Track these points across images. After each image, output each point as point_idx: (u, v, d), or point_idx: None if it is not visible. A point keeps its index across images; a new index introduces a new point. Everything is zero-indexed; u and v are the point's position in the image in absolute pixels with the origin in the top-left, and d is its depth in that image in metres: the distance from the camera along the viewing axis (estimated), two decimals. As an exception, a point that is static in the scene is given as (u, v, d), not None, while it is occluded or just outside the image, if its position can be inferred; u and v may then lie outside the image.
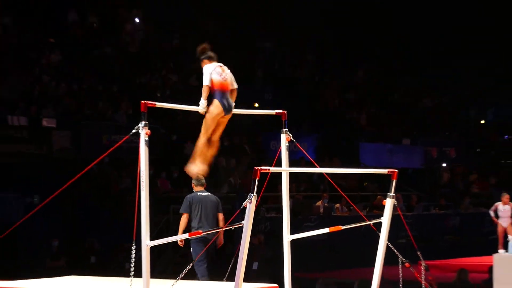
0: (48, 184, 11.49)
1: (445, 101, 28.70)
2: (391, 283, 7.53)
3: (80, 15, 20.93)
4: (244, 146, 19.32)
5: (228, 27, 24.01)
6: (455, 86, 29.33)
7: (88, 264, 14.36)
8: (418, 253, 6.98)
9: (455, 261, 14.46)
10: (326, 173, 8.93)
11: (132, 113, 17.47)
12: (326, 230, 7.33)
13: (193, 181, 9.23)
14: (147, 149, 6.33)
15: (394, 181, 6.68)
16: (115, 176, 16.37)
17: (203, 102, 6.83)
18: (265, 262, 13.49)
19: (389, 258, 6.78)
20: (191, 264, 7.06)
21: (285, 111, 7.37)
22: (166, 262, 14.13)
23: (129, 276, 6.47)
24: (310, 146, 20.06)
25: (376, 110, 25.25)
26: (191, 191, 9.32)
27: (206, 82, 6.81)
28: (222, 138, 21.35)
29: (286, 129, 7.38)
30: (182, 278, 6.47)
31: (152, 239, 6.39)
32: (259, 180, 5.79)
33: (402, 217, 7.44)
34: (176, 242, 8.75)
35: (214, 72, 6.87)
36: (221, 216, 9.09)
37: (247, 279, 6.44)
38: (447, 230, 19.01)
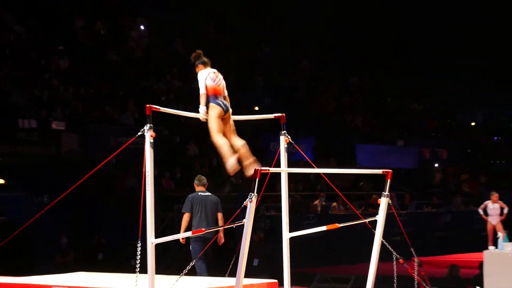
0: (57, 184, 11.49)
1: (438, 104, 28.69)
2: (386, 278, 7.51)
3: (88, 23, 20.95)
4: (245, 147, 19.28)
5: (229, 34, 24.02)
6: (449, 89, 29.28)
7: (96, 260, 14.35)
8: (412, 249, 6.96)
9: (446, 257, 14.43)
10: (323, 173, 8.92)
11: (138, 116, 17.47)
12: (323, 228, 7.32)
13: (195, 181, 9.23)
14: (152, 150, 6.33)
15: (389, 181, 6.67)
16: (121, 176, 16.36)
17: (202, 108, 6.80)
18: (265, 259, 13.48)
19: (384, 255, 6.76)
20: (193, 261, 7.06)
21: (284, 114, 7.36)
22: (171, 259, 14.11)
23: (134, 272, 6.47)
24: (308, 147, 20.03)
25: (371, 113, 25.24)
26: (194, 190, 9.32)
27: (202, 90, 6.79)
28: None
29: (285, 132, 7.37)
30: (186, 275, 6.46)
31: (156, 236, 6.38)
32: (259, 180, 5.78)
33: (396, 215, 7.43)
34: (179, 240, 8.74)
35: (208, 78, 6.84)
36: (220, 215, 9.08)
37: (248, 275, 6.43)
38: (439, 227, 19.00)
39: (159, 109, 6.58)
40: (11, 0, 20.58)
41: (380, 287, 7.00)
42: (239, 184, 17.10)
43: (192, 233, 7.34)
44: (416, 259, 6.93)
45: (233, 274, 6.49)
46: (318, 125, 22.52)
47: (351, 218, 8.21)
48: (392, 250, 6.80)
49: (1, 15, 19.43)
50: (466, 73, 27.55)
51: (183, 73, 21.07)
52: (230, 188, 16.89)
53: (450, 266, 11.65)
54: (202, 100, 6.79)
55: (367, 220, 6.93)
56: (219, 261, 8.80)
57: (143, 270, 6.37)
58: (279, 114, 7.33)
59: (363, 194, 18.95)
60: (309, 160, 8.37)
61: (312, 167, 8.00)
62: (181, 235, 7.91)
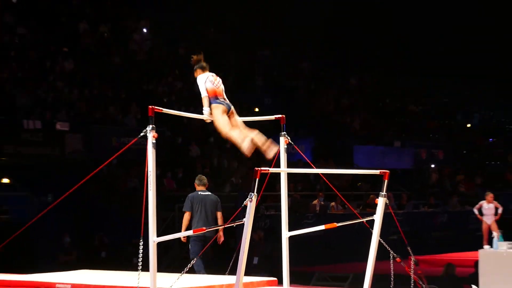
0: (61, 184, 11.46)
1: (436, 105, 28.68)
2: (383, 277, 7.50)
3: (92, 26, 20.96)
4: (245, 148, 19.27)
5: (229, 35, 24.01)
6: (447, 90, 29.23)
7: (99, 258, 14.34)
8: (408, 248, 6.96)
9: (443, 256, 14.41)
10: (322, 173, 8.92)
11: (140, 117, 17.47)
12: (322, 227, 7.32)
13: (196, 181, 9.22)
14: (154, 151, 6.34)
15: (386, 181, 6.67)
16: (124, 176, 16.36)
17: (207, 110, 6.83)
18: (264, 257, 13.47)
19: (381, 254, 6.76)
20: (194, 260, 7.06)
21: (284, 116, 7.36)
22: (172, 257, 14.11)
23: (137, 270, 6.47)
24: (307, 148, 20.03)
25: (369, 114, 25.24)
26: (195, 190, 9.31)
27: (203, 93, 6.85)
28: (225, 141, 21.20)
29: (285, 133, 7.38)
30: (186, 273, 6.46)
31: (158, 235, 6.38)
32: (259, 180, 5.78)
33: (393, 214, 7.42)
34: (180, 238, 8.74)
35: (207, 81, 6.89)
36: (219, 215, 9.06)
37: (248, 273, 6.44)
38: (435, 227, 18.99)
39: (162, 110, 6.59)
40: (16, 3, 20.60)
41: (377, 285, 6.99)
42: (239, 184, 17.11)
43: (193, 232, 7.34)
44: (412, 258, 6.94)
45: (233, 272, 6.49)
46: (318, 126, 22.51)
47: (349, 217, 8.22)
48: (389, 249, 6.79)
49: (7, 18, 19.44)
50: (466, 74, 27.42)
51: (184, 75, 21.08)
52: (231, 188, 16.89)
53: (446, 265, 11.64)
54: (205, 102, 6.83)
55: (365, 220, 6.93)
56: (220, 260, 8.79)
57: (145, 268, 6.37)
58: (279, 116, 7.34)
59: (361, 194, 18.95)
60: (308, 160, 8.36)
61: (311, 167, 8.00)
62: (182, 234, 7.91)
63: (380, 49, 26.81)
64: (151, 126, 6.35)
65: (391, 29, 26.65)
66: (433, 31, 27.20)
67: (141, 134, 6.41)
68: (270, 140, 6.69)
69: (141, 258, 6.31)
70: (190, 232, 7.74)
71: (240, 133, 6.75)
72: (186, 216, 8.95)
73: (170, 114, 6.95)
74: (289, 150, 7.52)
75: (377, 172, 6.81)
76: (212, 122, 7.04)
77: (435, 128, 26.64)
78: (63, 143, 15.95)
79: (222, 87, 6.96)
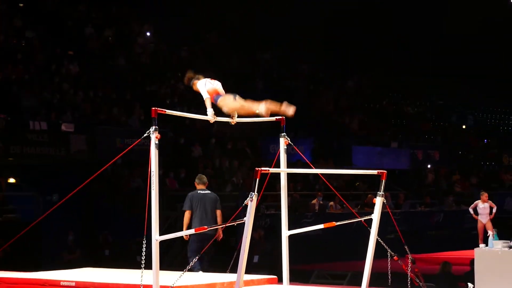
0: (66, 184, 11.45)
1: (432, 106, 28.65)
2: (381, 275, 7.48)
3: (97, 30, 20.97)
4: (246, 149, 19.29)
5: (230, 38, 23.98)
6: (444, 91, 29.17)
7: (102, 257, 14.32)
8: (405, 247, 6.95)
9: (439, 255, 14.38)
10: (321, 173, 8.90)
11: (144, 119, 17.46)
12: (321, 226, 7.31)
13: (196, 180, 9.19)
14: (157, 151, 6.32)
15: (383, 181, 6.66)
16: (128, 176, 16.35)
17: (210, 111, 6.84)
18: (265, 256, 13.44)
19: (379, 252, 6.74)
20: (196, 258, 7.04)
21: (284, 117, 7.35)
22: (174, 256, 14.09)
23: (140, 268, 6.45)
24: (307, 149, 20.00)
25: (367, 115, 25.22)
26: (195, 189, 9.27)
27: (205, 95, 6.88)
28: (226, 141, 21.10)
29: (285, 134, 7.36)
30: (189, 271, 6.43)
31: (161, 234, 6.36)
32: (259, 180, 5.77)
33: (390, 214, 7.41)
34: (182, 237, 8.71)
35: (206, 84, 6.96)
36: (219, 212, 9.02)
37: (248, 271, 6.42)
38: (432, 226, 18.95)
39: (165, 111, 6.58)
40: (24, 7, 20.62)
41: (375, 283, 6.97)
42: (240, 184, 17.09)
43: (195, 231, 7.31)
44: (409, 256, 6.91)
45: (234, 270, 6.47)
46: (317, 127, 22.49)
47: (348, 216, 8.20)
48: (387, 247, 6.78)
49: (15, 22, 19.46)
50: (463, 74, 27.35)
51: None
52: (232, 188, 16.87)
53: (442, 263, 11.61)
54: (208, 103, 6.82)
55: (363, 219, 6.92)
56: (221, 258, 8.78)
57: (148, 266, 6.35)
58: (280, 117, 7.33)
59: (359, 193, 18.92)
60: (307, 161, 8.34)
61: (311, 167, 7.98)
62: (184, 233, 7.89)
63: (380, 49, 26.67)
64: (154, 127, 6.34)
65: (391, 29, 26.49)
66: (433, 31, 27.06)
67: (145, 135, 6.40)
68: (285, 102, 6.72)
69: (144, 256, 6.29)
70: (192, 231, 7.71)
71: (253, 102, 6.81)
72: (187, 215, 8.92)
73: (173, 115, 6.93)
74: (289, 150, 7.50)
75: (374, 172, 6.79)
76: (214, 123, 7.03)
77: (431, 130, 26.63)
78: (68, 144, 15.94)
79: (220, 86, 6.97)
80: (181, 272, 6.42)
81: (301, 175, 18.09)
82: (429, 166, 23.13)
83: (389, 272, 7.07)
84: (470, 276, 9.77)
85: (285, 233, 7.15)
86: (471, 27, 26.68)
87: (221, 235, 8.82)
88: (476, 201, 12.80)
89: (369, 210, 13.40)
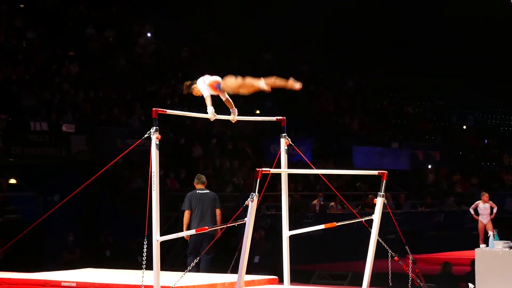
0: (67, 184, 11.46)
1: (433, 107, 28.63)
2: (382, 275, 7.48)
3: (98, 30, 20.97)
4: (247, 149, 19.29)
5: (230, 39, 23.97)
6: (444, 91, 29.14)
7: (103, 257, 14.32)
8: (406, 247, 6.94)
9: (440, 255, 14.37)
10: (321, 174, 8.89)
11: (144, 119, 17.46)
12: (321, 227, 7.31)
13: (195, 180, 9.19)
14: (157, 151, 6.32)
15: (384, 181, 6.66)
16: (128, 176, 16.35)
17: (210, 109, 6.83)
18: (265, 256, 13.44)
19: (380, 252, 6.74)
20: (198, 258, 7.04)
21: (284, 118, 7.35)
22: (176, 256, 14.09)
23: (141, 268, 6.45)
24: (307, 149, 20.00)
25: (368, 115, 25.22)
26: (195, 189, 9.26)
27: (205, 93, 6.84)
28: (227, 142, 21.10)
29: (285, 134, 7.36)
30: (190, 271, 6.43)
31: (162, 234, 6.36)
32: (260, 181, 5.77)
33: (391, 214, 7.41)
34: (183, 237, 8.71)
35: (205, 79, 6.92)
36: (218, 212, 9.02)
37: (249, 271, 6.42)
38: (432, 226, 18.95)
39: (166, 111, 6.57)
40: (24, 8, 20.63)
41: (376, 284, 6.97)
42: (241, 185, 17.09)
43: (196, 231, 7.31)
44: (410, 257, 6.91)
45: (235, 270, 6.47)
46: (317, 127, 22.49)
47: (348, 217, 8.19)
48: (387, 248, 6.77)
49: (16, 22, 19.47)
50: (463, 74, 27.33)
51: (187, 77, 21.04)
52: (232, 188, 16.86)
53: (443, 264, 11.60)
54: (208, 101, 6.82)
55: (363, 219, 6.91)
56: (222, 258, 8.78)
57: (149, 266, 6.35)
58: (280, 118, 7.33)
59: (359, 194, 18.91)
60: (308, 161, 8.34)
61: (311, 168, 7.98)
62: (185, 233, 7.89)
63: (380, 49, 26.65)
64: (154, 127, 6.34)
65: (391, 29, 26.44)
66: (433, 31, 27.02)
67: (145, 135, 6.40)
68: (291, 78, 6.70)
69: (145, 257, 6.29)
70: (192, 231, 7.71)
71: (255, 79, 6.80)
72: (186, 215, 8.92)
73: (173, 115, 6.92)
74: (290, 151, 7.50)
75: (375, 172, 6.79)
76: (214, 123, 7.04)
77: (431, 130, 26.62)
78: (69, 144, 15.94)
79: (219, 77, 6.98)
80: (182, 273, 6.42)
81: (302, 176, 18.09)
82: (429, 166, 23.13)
83: (389, 273, 7.07)
84: (470, 277, 9.76)
85: (286, 233, 7.15)
86: (471, 27, 26.67)
87: (219, 234, 8.83)
88: (477, 202, 12.79)
89: (370, 210, 13.42)
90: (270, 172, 5.95)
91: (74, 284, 7.13)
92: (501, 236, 9.94)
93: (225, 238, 8.99)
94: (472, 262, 10.29)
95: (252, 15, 24.12)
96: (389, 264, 6.93)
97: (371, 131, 23.90)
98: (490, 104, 30.40)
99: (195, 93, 7.00)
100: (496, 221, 12.73)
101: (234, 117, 7.00)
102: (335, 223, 6.99)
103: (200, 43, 23.57)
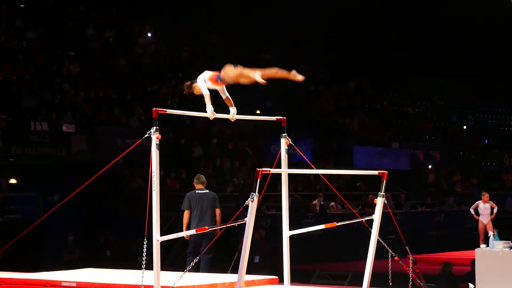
0: (67, 184, 11.46)
1: (433, 107, 28.62)
2: (382, 275, 7.48)
3: (98, 31, 20.97)
4: (247, 149, 19.29)
5: (230, 38, 23.97)
6: (444, 91, 29.12)
7: (103, 257, 14.32)
8: (406, 247, 6.94)
9: (440, 255, 14.36)
10: (321, 174, 8.89)
11: (144, 119, 17.46)
12: (322, 227, 7.31)
13: (195, 180, 9.19)
14: (158, 151, 6.32)
15: (384, 181, 6.65)
16: (129, 176, 16.34)
17: (210, 107, 6.82)
18: (266, 256, 13.44)
19: (380, 252, 6.74)
20: (197, 257, 7.04)
21: (285, 118, 7.34)
22: (175, 256, 14.09)
23: (141, 268, 6.44)
24: (307, 149, 19.99)
25: (368, 115, 25.22)
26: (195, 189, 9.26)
27: (205, 91, 6.82)
28: (227, 142, 21.10)
29: (285, 134, 7.36)
30: (190, 271, 6.43)
31: (162, 234, 6.36)
32: (260, 181, 5.76)
33: (391, 214, 7.41)
34: (183, 237, 8.71)
35: (204, 75, 6.90)
36: (218, 211, 9.01)
37: (249, 271, 6.42)
38: (432, 226, 18.95)
39: (166, 111, 6.57)
40: (24, 8, 20.62)
41: (376, 284, 6.96)
42: (241, 185, 17.08)
43: (196, 231, 7.31)
44: (410, 257, 6.91)
45: (235, 270, 6.47)
46: (317, 127, 22.48)
47: (349, 217, 8.19)
48: (387, 248, 6.77)
49: (17, 23, 19.47)
50: (463, 74, 27.31)
51: (187, 77, 21.02)
52: (233, 188, 16.86)
53: (443, 264, 11.60)
54: (207, 100, 6.81)
55: (363, 219, 6.91)
56: (222, 258, 8.78)
57: (149, 266, 6.35)
58: (281, 117, 7.32)
59: (360, 194, 18.91)
60: (308, 161, 8.34)
61: (311, 168, 7.97)
62: (185, 233, 7.89)
63: (380, 49, 26.63)
64: (155, 127, 6.34)
65: (391, 29, 26.42)
66: (433, 31, 27.00)
67: (146, 135, 6.40)
68: (293, 70, 6.67)
69: (145, 257, 6.29)
70: (192, 231, 7.71)
71: (254, 70, 6.81)
72: (186, 215, 8.92)
73: (173, 115, 6.92)
74: (290, 151, 7.49)
75: (375, 172, 6.79)
76: (214, 122, 7.04)
77: (432, 130, 26.62)
78: (69, 144, 15.95)
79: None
80: (181, 273, 6.42)
81: (302, 176, 18.09)
82: (429, 166, 23.13)
83: (390, 273, 7.06)
84: (471, 277, 9.77)
85: (286, 233, 7.15)
86: (471, 27, 26.67)
87: (218, 233, 8.83)
88: (477, 202, 12.79)
89: (370, 210, 13.42)
90: (270, 172, 5.95)
91: (74, 284, 7.13)
92: (501, 236, 9.94)
93: (225, 238, 8.98)
94: (472, 262, 10.29)
95: (252, 15, 24.10)
96: (389, 264, 6.92)
97: (371, 131, 23.90)
98: (490, 104, 30.39)
99: (196, 91, 6.98)
100: (496, 221, 12.73)
101: (233, 115, 6.98)
102: (335, 223, 6.98)
103: (200, 43, 23.56)
